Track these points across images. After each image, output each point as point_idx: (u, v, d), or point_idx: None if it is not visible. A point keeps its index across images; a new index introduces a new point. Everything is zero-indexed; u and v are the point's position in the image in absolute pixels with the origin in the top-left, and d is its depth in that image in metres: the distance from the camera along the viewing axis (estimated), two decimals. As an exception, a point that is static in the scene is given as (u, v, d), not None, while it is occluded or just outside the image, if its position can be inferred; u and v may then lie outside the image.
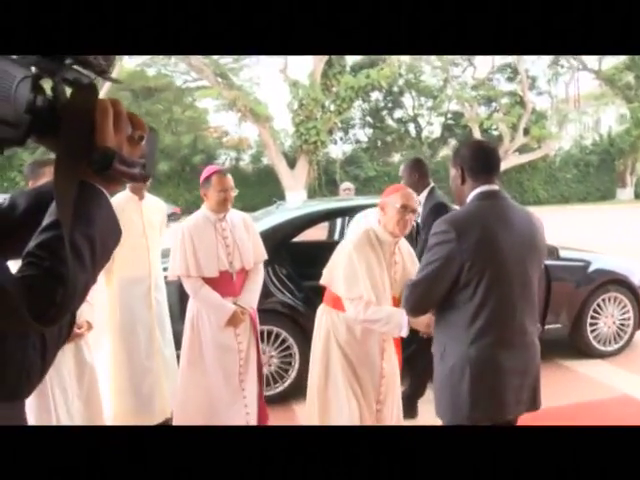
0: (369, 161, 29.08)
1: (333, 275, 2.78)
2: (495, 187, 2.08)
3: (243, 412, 3.12)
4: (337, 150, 30.71)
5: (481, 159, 2.10)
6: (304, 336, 4.19)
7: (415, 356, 3.62)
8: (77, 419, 2.86)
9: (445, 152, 30.48)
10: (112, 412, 3.57)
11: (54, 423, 2.69)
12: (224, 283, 3.12)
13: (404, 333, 2.65)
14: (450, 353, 2.02)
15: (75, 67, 0.86)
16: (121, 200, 3.56)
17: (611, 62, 30.04)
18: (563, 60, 29.07)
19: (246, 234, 3.23)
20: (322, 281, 2.87)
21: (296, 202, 6.84)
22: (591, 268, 4.94)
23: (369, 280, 2.66)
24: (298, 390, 4.12)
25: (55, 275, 0.76)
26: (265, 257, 3.33)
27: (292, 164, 25.58)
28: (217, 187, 3.07)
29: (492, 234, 1.95)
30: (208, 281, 3.09)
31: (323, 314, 2.88)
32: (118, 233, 0.90)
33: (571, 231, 14.54)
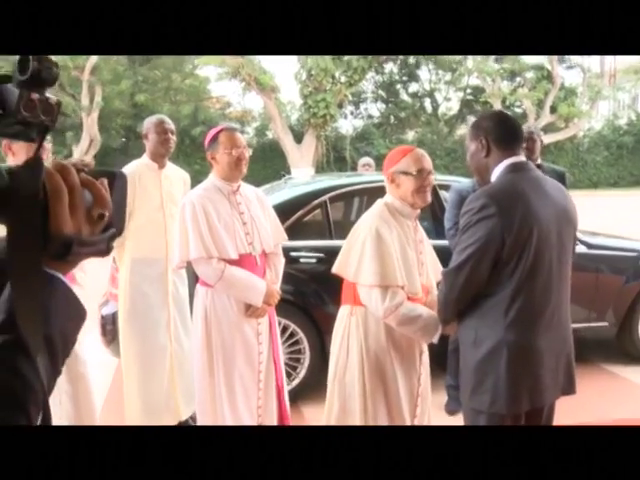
0: (381, 138, 28.52)
1: (351, 259, 2.32)
2: (523, 158, 2.06)
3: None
4: (347, 125, 30.19)
5: (508, 129, 2.08)
6: (316, 329, 3.90)
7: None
8: (65, 421, 2.56)
9: (463, 130, 29.92)
10: (125, 413, 3.36)
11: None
12: (246, 268, 2.77)
13: (436, 339, 2.31)
14: (483, 338, 1.97)
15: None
16: (138, 168, 3.37)
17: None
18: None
19: (262, 211, 2.93)
20: (335, 269, 2.42)
21: (306, 176, 6.51)
22: (644, 259, 4.59)
23: (402, 262, 2.27)
24: (307, 390, 3.86)
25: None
26: (285, 238, 3.02)
27: (299, 139, 25.16)
28: (227, 145, 2.75)
29: (532, 207, 1.91)
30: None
31: (348, 317, 2.41)
32: (79, 317, 0.83)
33: (600, 219, 14.20)
